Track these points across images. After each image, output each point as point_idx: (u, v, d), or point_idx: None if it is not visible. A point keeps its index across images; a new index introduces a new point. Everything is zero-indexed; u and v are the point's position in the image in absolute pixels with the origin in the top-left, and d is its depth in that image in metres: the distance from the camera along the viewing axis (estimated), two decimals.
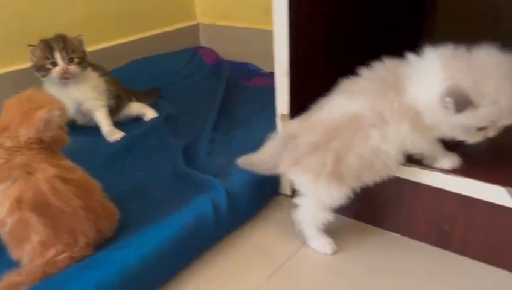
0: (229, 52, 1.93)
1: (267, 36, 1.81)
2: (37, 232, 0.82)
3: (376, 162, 0.81)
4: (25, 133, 0.84)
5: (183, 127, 1.39)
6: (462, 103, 0.71)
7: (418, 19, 1.55)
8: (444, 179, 0.85)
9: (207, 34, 2.01)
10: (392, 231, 0.97)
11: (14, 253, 0.85)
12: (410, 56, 0.81)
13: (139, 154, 1.24)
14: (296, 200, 0.91)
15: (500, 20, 1.45)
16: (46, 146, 0.86)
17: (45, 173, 0.83)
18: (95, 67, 1.39)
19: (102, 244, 0.88)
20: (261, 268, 0.89)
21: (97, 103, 1.35)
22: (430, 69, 0.76)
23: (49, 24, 1.52)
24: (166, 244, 0.83)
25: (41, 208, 0.82)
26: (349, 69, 0.85)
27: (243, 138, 1.29)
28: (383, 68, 0.83)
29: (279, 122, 1.03)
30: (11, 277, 0.79)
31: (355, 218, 1.01)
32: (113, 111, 1.40)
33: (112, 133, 1.32)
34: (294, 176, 0.88)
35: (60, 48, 1.26)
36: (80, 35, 1.32)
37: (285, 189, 1.07)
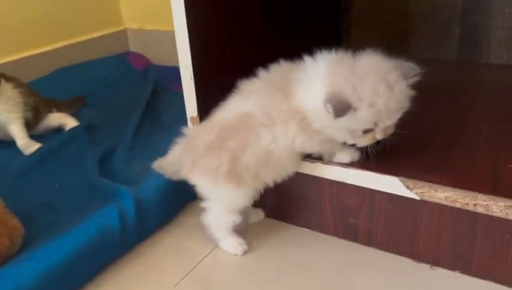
0: (159, 56, 1.90)
1: None
2: None
3: (271, 161, 0.82)
4: None
5: (105, 136, 1.36)
6: (341, 107, 0.73)
7: (335, 21, 1.57)
8: (343, 172, 0.86)
9: (136, 39, 1.98)
10: (303, 226, 0.98)
11: None
12: (307, 59, 0.82)
13: (55, 165, 1.21)
14: (203, 203, 0.91)
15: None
16: None
17: None
18: (9, 79, 1.34)
19: (1, 262, 0.84)
20: (171, 274, 0.88)
21: (11, 115, 1.30)
22: (317, 74, 0.78)
23: None
24: (67, 258, 0.81)
25: None
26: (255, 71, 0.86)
27: (163, 142, 1.26)
28: (279, 70, 0.84)
29: (190, 125, 1.02)
30: None
31: (267, 216, 1.01)
32: (31, 123, 1.36)
33: (27, 146, 1.28)
34: (195, 179, 0.88)
35: None
36: None
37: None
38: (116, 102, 1.61)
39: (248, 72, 0.87)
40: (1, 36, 1.50)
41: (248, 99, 0.83)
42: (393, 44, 1.52)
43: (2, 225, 0.86)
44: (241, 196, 0.85)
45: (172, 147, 0.94)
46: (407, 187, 0.81)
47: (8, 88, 1.31)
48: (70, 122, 1.40)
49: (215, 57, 1.02)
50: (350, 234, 0.93)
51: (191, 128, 0.93)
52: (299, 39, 1.25)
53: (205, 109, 0.99)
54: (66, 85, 1.66)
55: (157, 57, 1.92)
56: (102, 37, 1.89)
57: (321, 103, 0.75)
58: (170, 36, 1.94)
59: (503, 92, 1.19)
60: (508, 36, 1.37)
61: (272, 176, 0.85)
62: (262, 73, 0.85)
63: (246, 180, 0.83)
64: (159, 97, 1.60)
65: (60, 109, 1.45)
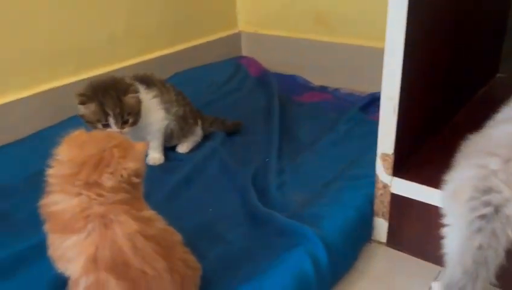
0: (273, 63, 1.80)
1: (317, 47, 1.71)
2: None
3: None
4: (131, 166, 0.72)
5: (241, 151, 1.26)
6: None
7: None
8: None
9: (249, 44, 1.88)
10: None
11: None
12: None
13: (200, 185, 1.12)
14: None
15: None
16: (130, 192, 0.74)
17: (125, 227, 0.71)
18: (154, 84, 1.22)
19: None
20: None
21: (149, 127, 1.21)
22: None
23: (89, 37, 1.41)
24: None
25: (120, 269, 0.69)
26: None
27: (313, 166, 1.17)
28: None
29: (379, 163, 0.90)
30: None
31: None
32: (176, 134, 1.26)
33: (156, 160, 1.22)
34: None
35: (115, 114, 1.07)
36: (137, 92, 1.13)
37: (379, 235, 0.95)
38: (239, 111, 1.51)
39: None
40: (120, 42, 1.42)
41: None
42: None
43: (187, 268, 0.76)
44: None
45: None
46: None
47: (146, 98, 1.21)
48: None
49: (417, 89, 0.89)
50: None
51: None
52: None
53: (399, 146, 0.87)
54: (185, 90, 1.57)
55: (270, 63, 1.81)
56: (217, 40, 1.80)
57: None
58: (286, 42, 1.85)
59: None
60: None
61: None
62: None
63: None
64: (286, 110, 1.49)
65: (204, 123, 1.33)
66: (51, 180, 0.73)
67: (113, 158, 0.73)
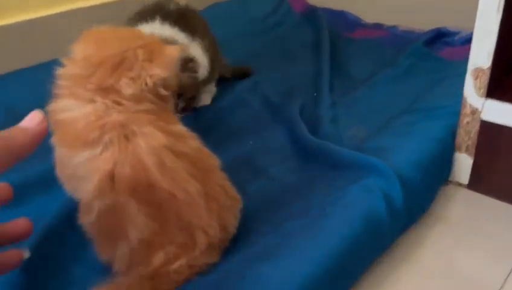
0: None
1: None
2: (138, 226, 0.54)
3: None
4: (158, 72, 0.57)
5: (286, 85, 1.09)
6: None
7: None
8: None
9: None
10: None
11: (101, 252, 0.59)
12: None
13: (240, 117, 0.96)
14: None
15: None
16: (156, 104, 0.58)
17: (150, 140, 0.56)
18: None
19: (227, 247, 0.60)
20: None
21: None
22: None
23: None
24: (331, 259, 0.55)
25: (143, 191, 0.55)
26: None
27: (368, 99, 1.00)
28: None
29: (469, 82, 0.71)
30: None
31: None
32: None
33: None
34: None
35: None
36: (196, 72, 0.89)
37: (460, 175, 0.77)
38: (283, 47, 1.33)
39: None
40: None
41: None
42: None
43: (226, 196, 0.61)
44: None
45: None
46: None
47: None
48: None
49: None
50: None
51: None
52: None
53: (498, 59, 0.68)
54: (221, 23, 1.40)
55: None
56: None
57: None
58: None
59: None
60: None
61: None
62: None
63: None
64: (336, 46, 1.30)
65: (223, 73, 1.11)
66: (60, 81, 0.59)
67: (137, 61, 0.58)
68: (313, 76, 1.11)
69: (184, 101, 0.88)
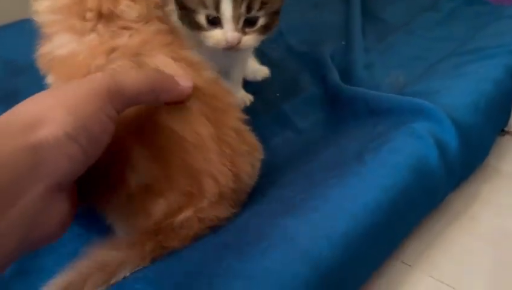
0: None
1: None
2: (138, 170, 0.45)
3: None
4: None
5: (312, 33, 0.98)
6: None
7: None
8: None
9: None
10: None
11: (98, 205, 0.50)
12: None
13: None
14: None
15: None
16: (168, 23, 0.50)
17: (162, 68, 0.46)
18: None
19: (243, 199, 0.51)
20: None
21: None
22: None
23: None
24: (372, 215, 0.45)
25: (146, 131, 0.45)
26: None
27: (407, 45, 0.89)
28: None
29: None
30: (104, 251, 0.44)
31: None
32: None
33: None
34: None
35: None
36: None
37: None
38: None
39: None
40: None
41: None
42: None
43: (242, 142, 0.51)
44: None
45: None
46: None
47: None
48: None
49: None
50: None
51: None
52: None
53: None
54: None
55: None
56: None
57: None
58: None
59: None
60: None
61: None
62: None
63: None
64: None
65: None
66: (48, 17, 0.50)
67: None
68: (342, 25, 1.00)
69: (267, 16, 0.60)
